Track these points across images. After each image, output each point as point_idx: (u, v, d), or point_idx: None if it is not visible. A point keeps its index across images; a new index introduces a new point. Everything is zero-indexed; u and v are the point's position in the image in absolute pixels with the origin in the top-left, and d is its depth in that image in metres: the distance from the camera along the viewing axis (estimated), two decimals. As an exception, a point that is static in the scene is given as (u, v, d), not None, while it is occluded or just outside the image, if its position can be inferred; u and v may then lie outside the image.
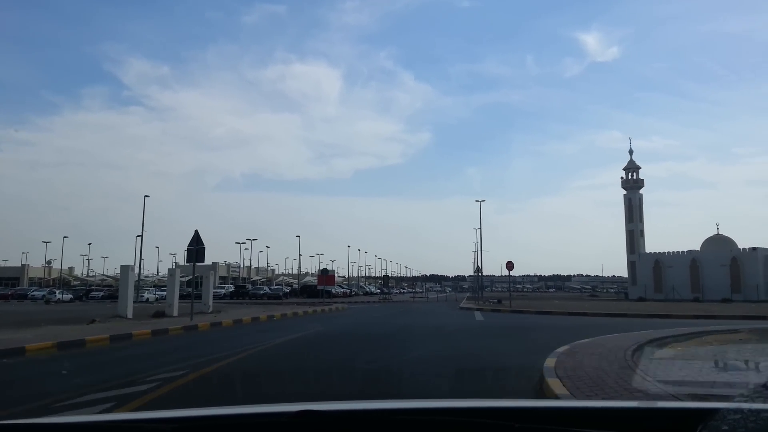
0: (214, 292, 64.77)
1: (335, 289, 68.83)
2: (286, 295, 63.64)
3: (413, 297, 70.05)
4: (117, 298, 54.69)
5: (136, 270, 59.75)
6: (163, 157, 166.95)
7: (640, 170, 73.66)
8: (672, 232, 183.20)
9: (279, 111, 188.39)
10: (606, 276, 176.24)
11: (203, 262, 18.45)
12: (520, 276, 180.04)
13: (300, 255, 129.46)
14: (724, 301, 53.65)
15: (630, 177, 73.61)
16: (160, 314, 22.67)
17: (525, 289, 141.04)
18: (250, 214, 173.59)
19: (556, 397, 5.67)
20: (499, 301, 40.94)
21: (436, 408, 1.82)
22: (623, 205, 73.78)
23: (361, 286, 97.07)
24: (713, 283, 63.04)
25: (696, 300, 57.22)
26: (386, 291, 65.71)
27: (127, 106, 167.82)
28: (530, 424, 1.48)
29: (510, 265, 31.01)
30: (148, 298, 56.57)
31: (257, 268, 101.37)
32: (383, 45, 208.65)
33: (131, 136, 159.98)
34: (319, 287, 59.88)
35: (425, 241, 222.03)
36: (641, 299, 59.47)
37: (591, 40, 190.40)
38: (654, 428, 1.56)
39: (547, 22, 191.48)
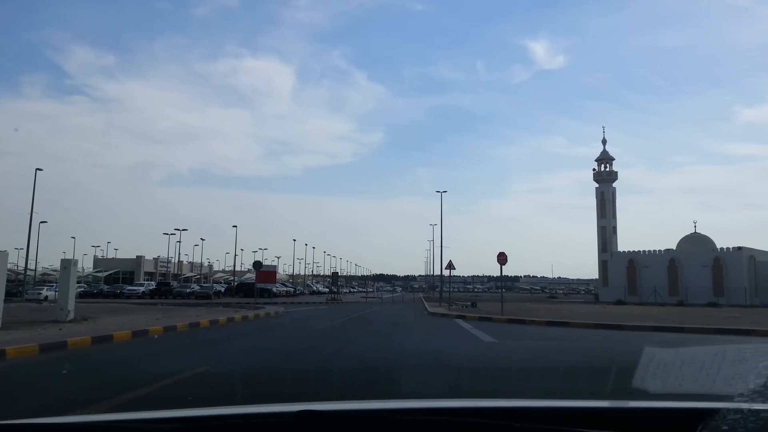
0: (130, 290, 55.34)
1: (277, 288, 60.13)
2: (218, 294, 54.42)
3: (365, 297, 62.04)
4: (14, 294, 45.06)
5: (24, 261, 49.80)
6: (107, 149, 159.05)
7: (613, 162, 67.99)
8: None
9: (229, 106, 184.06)
10: (553, 277, 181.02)
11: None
12: (469, 276, 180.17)
13: (242, 250, 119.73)
14: (711, 305, 47.92)
15: (603, 169, 67.79)
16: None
17: (476, 290, 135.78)
18: (197, 210, 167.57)
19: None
20: (473, 305, 33.46)
21: (436, 408, 1.84)
22: (595, 199, 67.92)
23: (308, 285, 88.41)
24: (694, 285, 57.61)
25: (681, 304, 51.39)
26: (335, 291, 57.47)
27: (69, 95, 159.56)
28: (530, 424, 1.47)
29: (503, 259, 23.37)
30: (47, 296, 46.84)
31: (192, 264, 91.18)
32: (337, 44, 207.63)
33: (73, 127, 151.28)
34: (257, 285, 51.43)
35: (375, 241, 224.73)
36: (620, 302, 53.22)
37: (539, 48, 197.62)
38: (654, 428, 1.55)
39: (497, 29, 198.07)
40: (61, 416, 1.90)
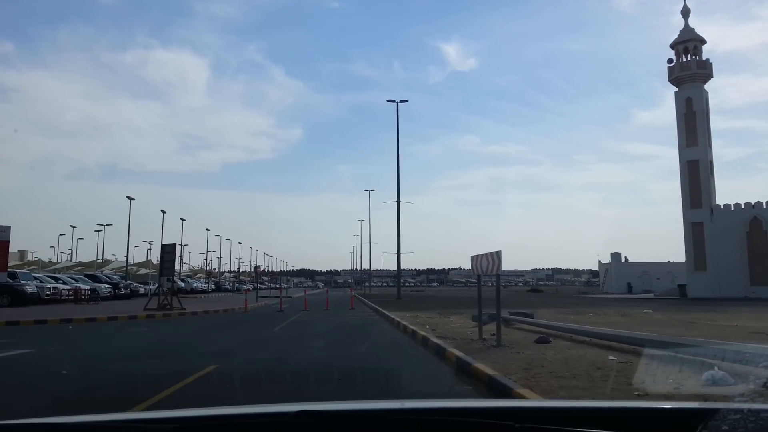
0: None
1: (38, 284, 26.53)
2: None
3: (249, 292, 28.58)
4: None
5: None
6: (4, 143, 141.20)
7: (704, 46, 38.15)
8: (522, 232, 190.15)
9: (139, 98, 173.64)
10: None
11: None
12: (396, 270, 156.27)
13: (96, 231, 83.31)
14: None
15: (687, 58, 37.80)
16: None
17: (407, 284, 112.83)
18: (106, 206, 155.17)
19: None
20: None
21: (436, 408, 1.82)
22: (674, 113, 37.92)
23: (171, 280, 54.26)
24: None
25: None
26: (161, 288, 24.64)
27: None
28: (530, 424, 1.47)
29: None
30: None
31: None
32: (252, 38, 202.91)
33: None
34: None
35: (296, 237, 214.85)
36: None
37: (452, 51, 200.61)
38: (654, 428, 1.54)
39: (411, 30, 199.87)
40: (61, 416, 1.82)
